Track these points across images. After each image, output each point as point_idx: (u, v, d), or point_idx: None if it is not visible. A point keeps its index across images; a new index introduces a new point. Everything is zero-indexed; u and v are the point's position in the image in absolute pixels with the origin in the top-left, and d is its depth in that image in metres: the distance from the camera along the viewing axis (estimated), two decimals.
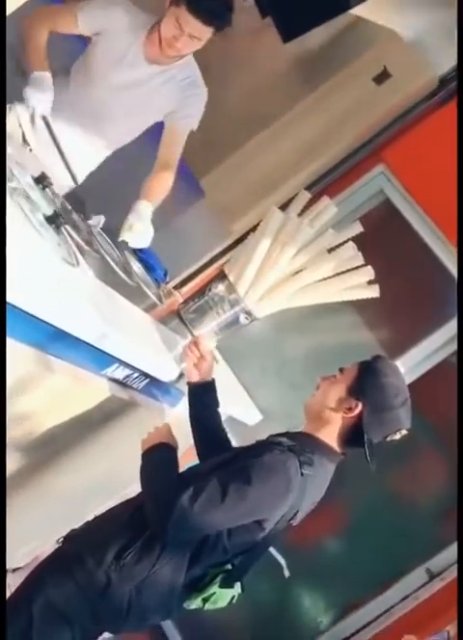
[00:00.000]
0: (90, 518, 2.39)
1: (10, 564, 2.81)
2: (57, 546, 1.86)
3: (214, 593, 1.76)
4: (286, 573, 2.21)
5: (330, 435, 1.87)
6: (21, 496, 2.12)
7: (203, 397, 2.10)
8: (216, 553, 1.72)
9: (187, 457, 2.19)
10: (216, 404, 2.11)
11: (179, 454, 2.00)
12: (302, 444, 1.80)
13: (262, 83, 3.40)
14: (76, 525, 2.44)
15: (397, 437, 1.89)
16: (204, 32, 2.31)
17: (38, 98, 2.27)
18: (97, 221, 2.18)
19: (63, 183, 2.19)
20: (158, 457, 1.82)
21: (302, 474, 1.72)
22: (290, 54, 3.39)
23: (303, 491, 1.74)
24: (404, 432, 1.89)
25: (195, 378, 2.10)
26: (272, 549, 2.10)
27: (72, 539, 1.84)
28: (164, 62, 2.46)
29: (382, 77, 3.25)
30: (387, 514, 3.51)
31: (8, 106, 2.28)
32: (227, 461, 1.79)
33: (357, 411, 1.83)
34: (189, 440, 2.14)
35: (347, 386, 1.87)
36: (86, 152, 2.54)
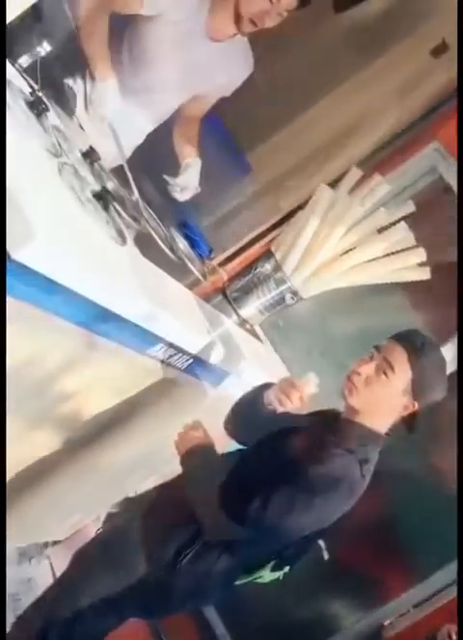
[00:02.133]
0: (130, 494, 2.43)
1: (51, 537, 2.87)
2: (99, 530, 1.87)
3: (262, 575, 1.78)
4: (326, 555, 2.21)
5: (381, 424, 1.78)
6: (64, 472, 2.15)
7: (262, 412, 1.92)
8: (271, 547, 1.74)
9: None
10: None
11: (220, 433, 1.99)
12: (359, 439, 1.74)
13: (314, 56, 3.32)
14: (116, 500, 2.49)
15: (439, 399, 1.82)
16: (294, 5, 2.31)
17: (105, 110, 2.29)
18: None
19: (110, 158, 2.18)
20: (200, 464, 1.80)
21: (363, 475, 1.70)
22: (343, 26, 3.30)
23: (362, 488, 1.73)
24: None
25: (276, 408, 1.86)
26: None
27: (121, 526, 1.84)
28: (224, 38, 2.44)
29: (440, 50, 3.15)
30: (428, 497, 3.47)
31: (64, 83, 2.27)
32: (286, 463, 1.72)
33: (414, 409, 1.77)
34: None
35: (403, 389, 1.74)
36: (134, 127, 2.53)
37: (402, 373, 1.73)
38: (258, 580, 1.81)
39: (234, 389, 2.22)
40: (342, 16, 3.23)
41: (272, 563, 1.78)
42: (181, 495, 1.78)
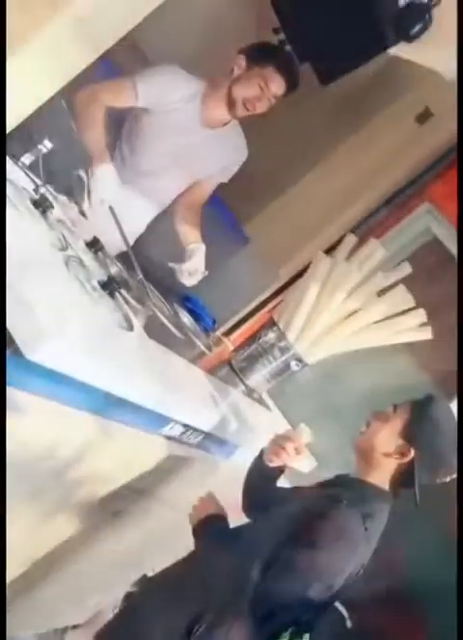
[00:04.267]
0: (149, 573, 2.41)
1: (71, 621, 2.84)
2: (119, 609, 1.86)
3: None
4: (349, 624, 2.19)
5: (382, 478, 1.84)
6: (81, 555, 2.15)
7: (271, 476, 2.00)
8: (286, 615, 1.71)
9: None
10: (280, 477, 2.05)
11: (233, 505, 2.00)
12: (361, 495, 1.78)
13: (303, 127, 3.44)
14: (134, 579, 2.48)
15: (448, 479, 1.86)
16: (283, 91, 2.44)
17: (105, 196, 2.36)
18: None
19: (116, 245, 2.25)
20: (212, 532, 1.82)
21: (366, 529, 1.70)
22: (331, 96, 3.43)
23: (368, 543, 1.73)
24: (454, 476, 1.85)
25: (276, 464, 1.95)
26: (337, 604, 2.08)
27: (137, 607, 1.84)
28: (217, 125, 2.55)
29: (424, 116, 3.27)
30: (443, 556, 3.43)
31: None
32: (289, 521, 1.75)
33: (410, 456, 1.80)
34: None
35: (400, 431, 1.84)
36: (136, 215, 2.62)
37: (400, 413, 1.85)
38: None
39: (246, 460, 2.23)
40: (328, 89, 3.35)
41: (289, 631, 1.75)
42: (194, 569, 1.79)
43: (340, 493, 1.77)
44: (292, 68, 2.51)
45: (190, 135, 2.54)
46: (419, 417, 1.84)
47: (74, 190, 2.37)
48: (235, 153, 2.70)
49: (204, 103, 2.53)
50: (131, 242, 2.68)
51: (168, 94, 2.47)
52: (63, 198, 2.22)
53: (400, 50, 3.08)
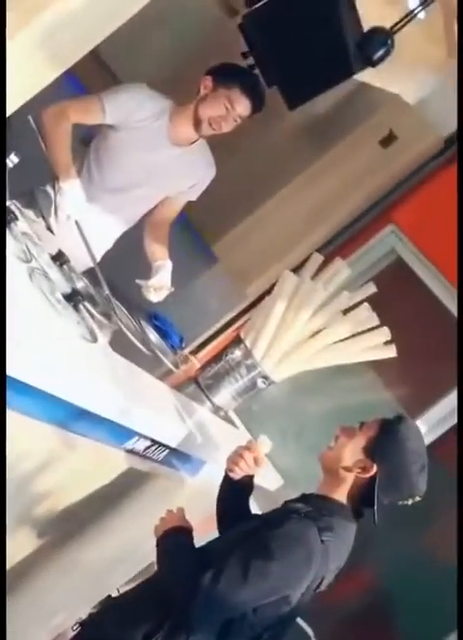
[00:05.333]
0: (113, 592, 2.38)
1: None
2: (76, 631, 1.82)
3: None
4: None
5: (345, 494, 1.84)
6: (45, 571, 2.11)
7: (240, 492, 2.01)
8: (243, 631, 1.69)
9: (207, 525, 2.17)
10: (250, 494, 2.05)
11: (199, 523, 1.98)
12: (319, 509, 1.77)
13: (271, 150, 3.48)
14: (99, 599, 2.43)
15: (409, 502, 1.85)
16: (248, 113, 2.50)
17: (72, 211, 2.35)
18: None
19: (83, 261, 2.25)
20: (174, 543, 1.80)
21: (322, 542, 1.69)
22: (297, 120, 3.48)
23: (326, 557, 1.71)
24: (418, 498, 1.85)
25: (238, 477, 1.96)
26: (299, 619, 2.07)
27: (94, 624, 1.80)
28: (185, 143, 2.57)
29: (388, 140, 3.33)
30: (418, 574, 3.43)
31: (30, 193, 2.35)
32: (246, 534, 1.76)
33: (371, 472, 1.81)
34: (208, 509, 2.13)
35: (364, 446, 1.84)
36: (103, 232, 2.61)
37: (367, 429, 1.85)
38: None
39: (212, 477, 2.22)
40: (295, 113, 3.40)
41: None
42: (153, 585, 1.80)
43: (299, 507, 1.77)
44: (257, 90, 2.55)
45: (158, 152, 2.56)
46: (385, 435, 1.85)
47: (41, 205, 2.36)
48: (203, 171, 2.73)
49: (172, 121, 2.55)
50: (98, 258, 2.67)
51: (135, 112, 2.49)
52: (29, 212, 2.21)
53: (365, 76, 3.15)
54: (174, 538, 1.81)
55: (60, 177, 2.37)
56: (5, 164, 1.85)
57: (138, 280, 2.62)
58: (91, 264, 2.31)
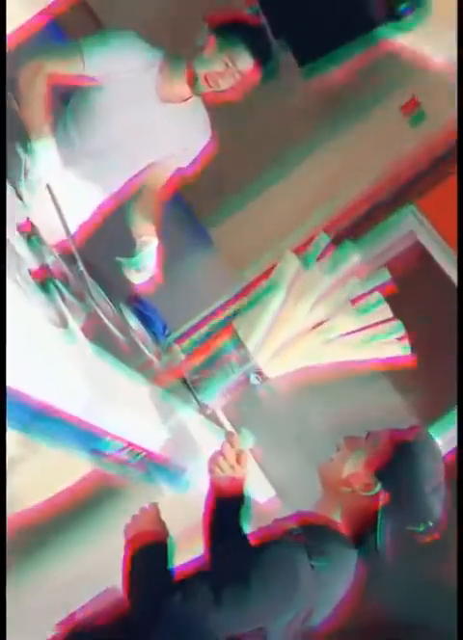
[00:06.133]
0: (77, 611, 2.37)
1: None
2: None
3: None
4: None
5: (345, 515, 1.80)
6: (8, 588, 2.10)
7: (228, 506, 1.95)
8: None
9: (188, 540, 2.16)
10: (239, 507, 1.98)
11: (178, 533, 1.96)
12: (312, 531, 1.74)
13: (282, 122, 3.46)
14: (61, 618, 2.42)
15: (421, 529, 1.79)
16: (252, 69, 2.45)
17: (42, 173, 2.32)
18: None
19: (55, 236, 2.22)
20: (144, 552, 1.77)
21: (312, 567, 1.65)
22: (310, 93, 3.44)
23: (316, 587, 1.68)
24: (430, 524, 1.79)
25: (223, 484, 1.93)
26: None
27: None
28: (177, 100, 2.54)
29: (411, 111, 3.30)
30: (428, 605, 3.44)
31: None
32: (225, 555, 1.75)
33: (375, 490, 1.77)
34: (188, 520, 2.11)
35: (369, 459, 1.80)
36: (80, 200, 2.58)
37: (376, 441, 1.83)
38: None
39: (194, 486, 2.21)
40: (309, 86, 3.36)
41: None
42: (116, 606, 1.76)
43: (290, 527, 1.75)
44: (264, 46, 2.49)
45: (144, 109, 2.52)
46: (394, 448, 1.81)
47: (10, 168, 2.33)
48: (196, 133, 2.68)
49: (162, 74, 2.51)
50: (73, 230, 2.64)
51: (120, 63, 2.45)
52: None
53: (389, 36, 3.11)
54: (144, 546, 1.77)
55: (31, 136, 2.34)
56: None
57: (118, 258, 2.59)
58: (63, 237, 2.27)
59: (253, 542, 1.77)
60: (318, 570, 1.66)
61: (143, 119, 2.53)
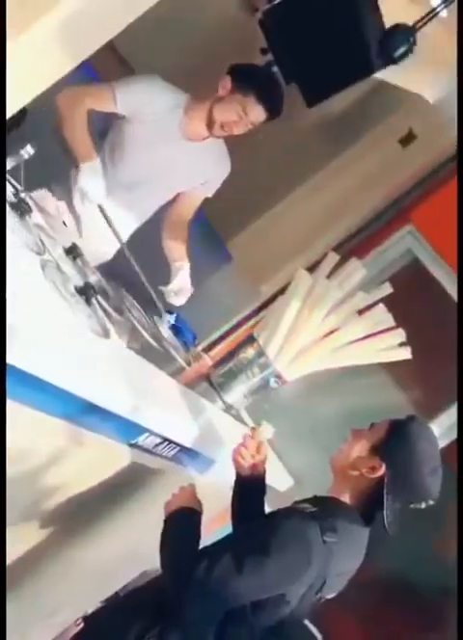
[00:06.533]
0: (118, 591, 2.36)
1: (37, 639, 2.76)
2: (78, 627, 1.80)
3: None
4: None
5: (354, 496, 1.80)
6: (49, 568, 2.10)
7: (251, 492, 1.97)
8: (242, 634, 1.64)
9: (214, 524, 2.15)
10: (262, 494, 2.01)
11: (209, 519, 1.96)
12: (325, 509, 1.73)
13: (288, 147, 3.46)
14: (104, 597, 2.42)
15: (422, 506, 1.81)
16: (263, 119, 2.49)
17: (93, 192, 2.35)
18: None
19: (97, 255, 2.24)
20: (179, 523, 1.76)
21: (324, 542, 1.64)
22: (316, 118, 3.45)
23: (328, 559, 1.66)
24: (431, 502, 1.80)
25: (246, 472, 1.94)
26: (308, 623, 2.02)
27: (94, 620, 1.78)
28: (198, 138, 2.55)
29: (408, 139, 3.29)
30: (431, 578, 3.39)
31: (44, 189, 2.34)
32: (248, 529, 1.75)
33: (380, 472, 1.76)
34: (218, 505, 2.11)
35: (373, 445, 1.81)
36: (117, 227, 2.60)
37: (377, 429, 1.83)
38: None
39: (221, 476, 2.20)
40: (314, 110, 3.37)
41: None
42: (155, 583, 1.76)
43: (305, 506, 1.74)
44: (275, 98, 2.51)
45: (170, 146, 2.54)
46: (395, 436, 1.81)
47: (61, 191, 2.36)
48: (217, 166, 2.70)
49: (187, 116, 2.53)
50: (112, 254, 2.66)
51: (148, 104, 2.47)
52: (45, 204, 2.19)
53: (385, 74, 3.11)
54: (180, 519, 1.77)
55: (80, 159, 2.36)
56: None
57: (161, 287, 2.60)
58: (104, 259, 2.29)
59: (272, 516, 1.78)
60: (330, 545, 1.65)
61: (168, 154, 2.54)
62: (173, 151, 2.55)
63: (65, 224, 2.32)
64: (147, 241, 2.78)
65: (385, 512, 1.74)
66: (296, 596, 1.64)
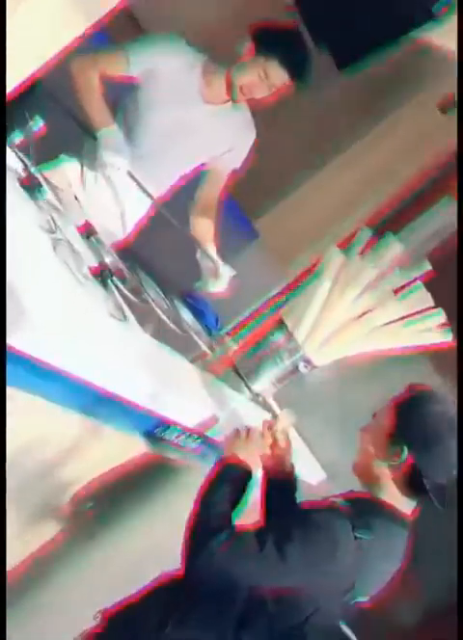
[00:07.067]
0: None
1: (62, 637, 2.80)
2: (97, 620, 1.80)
3: None
4: None
5: (390, 493, 1.78)
6: (69, 566, 2.13)
7: (280, 489, 1.95)
8: (260, 624, 1.62)
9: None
10: (292, 491, 1.99)
11: None
12: (360, 506, 1.73)
13: (320, 119, 3.42)
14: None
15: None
16: (286, 82, 2.44)
17: (116, 158, 2.37)
18: None
19: (109, 235, 2.24)
20: (224, 477, 1.75)
21: (355, 538, 1.63)
22: (349, 87, 3.40)
23: (360, 558, 1.65)
24: (454, 474, 1.76)
25: (267, 466, 1.94)
26: (344, 627, 2.01)
27: (113, 617, 1.78)
28: (219, 102, 2.53)
29: (447, 104, 3.24)
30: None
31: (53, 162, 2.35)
32: (275, 518, 1.76)
33: (404, 456, 1.74)
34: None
35: (386, 432, 1.79)
36: (134, 198, 2.59)
37: (382, 415, 1.84)
38: None
39: None
40: (346, 79, 3.33)
41: None
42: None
43: (338, 501, 1.74)
44: (300, 61, 2.46)
45: (189, 109, 2.51)
46: (404, 415, 1.80)
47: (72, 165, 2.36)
48: (242, 132, 2.66)
49: (204, 77, 2.51)
50: (129, 228, 2.65)
51: (163, 63, 2.44)
52: (55, 179, 2.18)
53: (422, 32, 3.06)
54: (227, 472, 1.76)
55: (96, 126, 2.36)
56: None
57: (197, 289, 2.63)
58: (118, 237, 2.28)
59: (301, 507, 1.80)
60: (362, 543, 1.64)
61: (187, 117, 2.52)
62: (192, 114, 2.52)
63: (76, 198, 2.32)
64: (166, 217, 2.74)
65: (430, 492, 1.72)
66: (322, 593, 1.63)
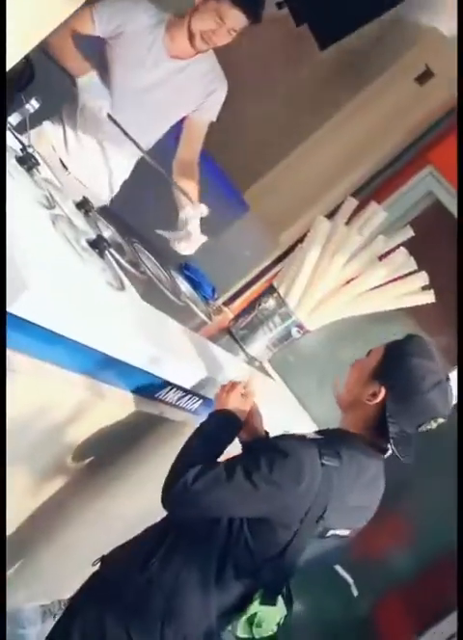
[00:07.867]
0: None
1: (66, 594, 2.81)
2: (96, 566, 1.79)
3: (256, 613, 1.62)
4: (355, 592, 2.12)
5: (362, 426, 1.71)
6: (78, 522, 2.12)
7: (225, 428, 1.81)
8: (241, 556, 1.60)
9: None
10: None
11: None
12: (329, 437, 1.68)
13: (304, 91, 3.37)
14: None
15: (433, 426, 1.69)
16: (243, 24, 2.36)
17: (97, 101, 2.30)
18: None
19: (100, 198, 2.19)
20: (211, 424, 1.73)
21: (322, 464, 1.57)
22: (330, 60, 3.35)
23: (328, 483, 1.58)
24: (440, 420, 1.69)
25: (220, 406, 1.81)
26: (339, 568, 2.01)
27: (109, 560, 1.77)
28: (186, 56, 2.47)
29: (425, 77, 3.19)
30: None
31: (36, 129, 2.29)
32: (246, 449, 1.75)
33: (380, 396, 1.67)
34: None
35: (371, 369, 1.73)
36: (117, 161, 2.53)
37: (374, 354, 1.75)
38: (260, 627, 1.63)
39: None
40: (327, 52, 3.27)
41: (258, 593, 1.62)
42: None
43: (307, 433, 1.70)
44: (251, 1, 2.36)
45: (158, 66, 2.45)
46: (390, 355, 1.73)
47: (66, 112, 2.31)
48: (212, 83, 2.57)
49: (169, 33, 2.44)
50: (116, 189, 2.59)
51: (128, 22, 2.39)
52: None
53: (399, 10, 3.00)
54: (214, 420, 1.74)
55: (73, 72, 2.31)
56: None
57: (161, 231, 2.50)
58: (106, 202, 2.22)
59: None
60: (330, 469, 1.59)
61: (157, 76, 2.46)
62: (161, 72, 2.46)
63: (63, 164, 2.26)
64: (162, 190, 2.66)
65: (390, 436, 1.66)
66: (294, 519, 1.59)
